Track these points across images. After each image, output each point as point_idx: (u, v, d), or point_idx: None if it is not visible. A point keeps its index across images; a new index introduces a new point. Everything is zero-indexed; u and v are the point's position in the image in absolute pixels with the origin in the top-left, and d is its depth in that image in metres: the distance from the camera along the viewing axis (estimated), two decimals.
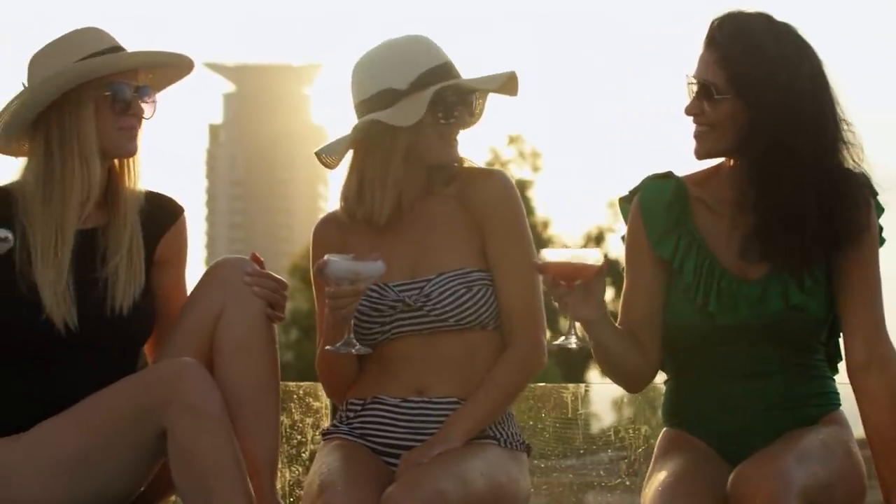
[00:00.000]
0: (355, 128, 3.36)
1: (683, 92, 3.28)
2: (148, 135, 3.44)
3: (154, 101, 3.41)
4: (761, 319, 3.21)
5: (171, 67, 3.46)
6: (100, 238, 3.37)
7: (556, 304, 3.14)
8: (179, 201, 3.52)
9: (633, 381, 3.36)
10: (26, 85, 3.38)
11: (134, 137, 3.39)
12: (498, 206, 3.39)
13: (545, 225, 38.05)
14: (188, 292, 3.47)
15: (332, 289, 3.14)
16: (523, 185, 36.74)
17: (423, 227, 3.39)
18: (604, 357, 3.26)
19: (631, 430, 4.51)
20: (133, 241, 3.39)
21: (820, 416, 3.28)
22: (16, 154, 3.43)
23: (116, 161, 3.42)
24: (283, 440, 4.25)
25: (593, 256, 3.09)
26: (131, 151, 3.39)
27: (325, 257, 3.15)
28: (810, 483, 3.01)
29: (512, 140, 39.23)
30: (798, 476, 2.99)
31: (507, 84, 3.37)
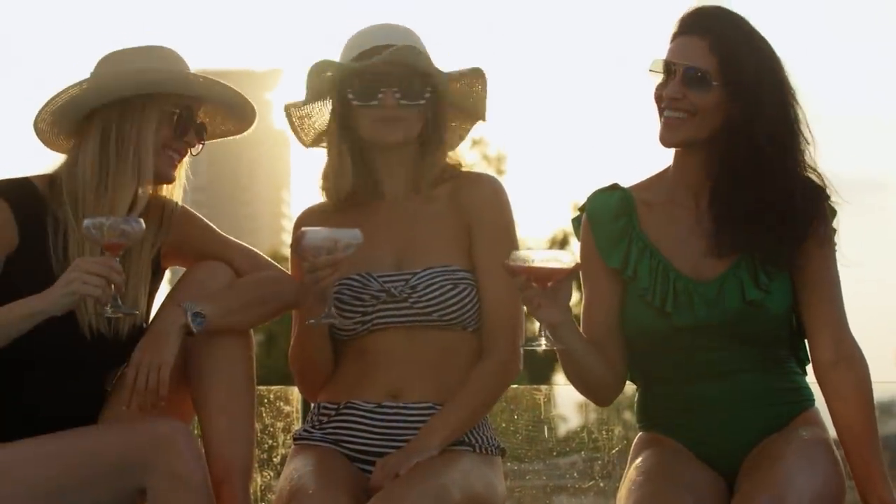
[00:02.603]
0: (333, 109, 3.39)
1: (651, 78, 3.22)
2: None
3: (203, 143, 3.38)
4: (719, 318, 3.19)
5: (237, 117, 3.42)
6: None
7: (525, 306, 3.10)
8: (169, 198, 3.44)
9: (600, 392, 3.34)
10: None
11: (176, 165, 3.34)
12: (486, 209, 3.38)
13: None
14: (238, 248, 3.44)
15: (309, 262, 3.10)
16: None
17: (411, 222, 3.37)
18: (570, 364, 3.23)
19: (605, 432, 4.49)
20: (146, 259, 3.33)
21: (794, 415, 3.26)
22: (53, 146, 3.35)
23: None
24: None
25: (566, 258, 3.06)
26: (170, 178, 3.34)
27: (303, 229, 3.13)
28: None
29: (475, 143, 39.22)
30: None
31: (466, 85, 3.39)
